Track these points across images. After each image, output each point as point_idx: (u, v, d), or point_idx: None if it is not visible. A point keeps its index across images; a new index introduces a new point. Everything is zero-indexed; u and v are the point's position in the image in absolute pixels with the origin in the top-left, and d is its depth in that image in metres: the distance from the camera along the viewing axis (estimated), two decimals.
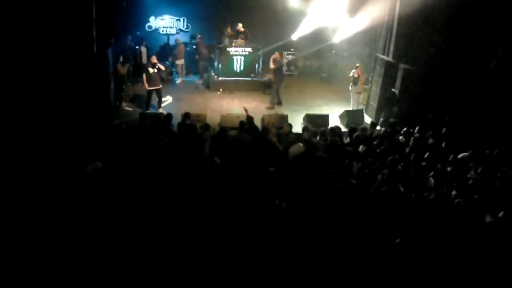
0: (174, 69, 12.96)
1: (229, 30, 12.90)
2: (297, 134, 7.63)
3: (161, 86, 10.39)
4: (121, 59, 10.69)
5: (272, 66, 11.15)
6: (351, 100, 10.91)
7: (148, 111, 10.01)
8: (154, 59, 10.18)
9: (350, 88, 10.88)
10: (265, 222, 4.68)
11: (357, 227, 4.69)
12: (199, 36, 12.94)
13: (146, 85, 10.10)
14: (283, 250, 4.37)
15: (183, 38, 13.27)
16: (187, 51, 13.32)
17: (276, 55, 11.26)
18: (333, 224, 4.74)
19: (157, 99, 10.34)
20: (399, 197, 5.19)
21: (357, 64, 10.89)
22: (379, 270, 4.14)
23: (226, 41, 12.82)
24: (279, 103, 11.24)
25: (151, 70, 10.03)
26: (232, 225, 4.64)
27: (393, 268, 4.16)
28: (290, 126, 7.84)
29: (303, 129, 7.75)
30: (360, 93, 10.76)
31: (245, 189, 5.21)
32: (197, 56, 13.11)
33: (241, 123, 7.39)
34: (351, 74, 10.76)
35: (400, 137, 7.37)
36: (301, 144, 6.74)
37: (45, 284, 3.98)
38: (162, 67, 10.49)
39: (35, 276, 3.98)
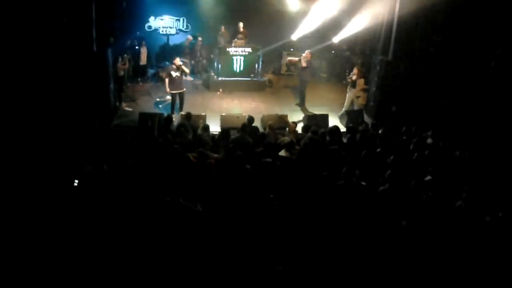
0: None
1: (223, 29, 12.91)
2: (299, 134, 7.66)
3: (184, 89, 10.17)
4: (121, 59, 10.67)
5: (303, 64, 10.99)
6: (345, 102, 10.79)
7: (151, 112, 9.81)
8: (178, 61, 9.94)
9: (348, 90, 10.73)
10: (261, 221, 4.69)
11: (355, 225, 4.70)
12: (200, 37, 12.94)
13: (168, 88, 9.90)
14: (277, 248, 4.38)
15: (182, 38, 13.26)
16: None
17: (307, 54, 11.05)
18: (329, 224, 4.75)
19: (179, 102, 10.12)
20: (401, 197, 5.20)
21: (356, 67, 10.79)
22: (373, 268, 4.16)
23: (222, 41, 12.82)
24: (303, 103, 11.19)
25: (174, 73, 9.80)
26: (230, 225, 4.65)
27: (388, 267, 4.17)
28: (296, 124, 7.86)
29: (304, 129, 7.76)
30: (359, 96, 10.69)
31: (244, 188, 5.23)
32: (199, 58, 13.09)
33: (244, 125, 7.37)
34: (349, 76, 10.74)
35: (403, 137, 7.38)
36: (296, 148, 6.66)
37: (45, 284, 3.99)
38: (187, 70, 10.29)
39: (33, 277, 3.98)
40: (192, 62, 12.92)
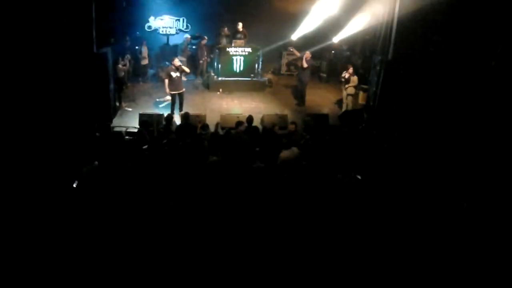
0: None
1: (225, 30, 12.94)
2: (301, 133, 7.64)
3: (184, 89, 10.15)
4: (121, 59, 10.67)
5: (305, 65, 10.97)
6: (343, 101, 10.88)
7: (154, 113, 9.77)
8: (177, 62, 9.94)
9: (343, 89, 10.83)
10: (263, 221, 4.70)
11: (355, 224, 4.71)
12: (205, 36, 12.94)
13: (168, 89, 9.88)
14: (280, 248, 4.38)
15: (182, 38, 13.26)
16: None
17: (307, 54, 11.02)
18: (330, 222, 4.76)
19: (179, 103, 10.10)
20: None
21: (349, 65, 10.86)
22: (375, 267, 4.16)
23: (224, 41, 12.84)
24: (303, 103, 11.23)
25: (174, 74, 9.79)
26: (231, 224, 4.65)
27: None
28: (295, 124, 7.84)
29: (306, 125, 7.75)
30: (351, 94, 10.70)
31: (244, 188, 5.23)
32: (206, 58, 13.08)
33: (238, 123, 7.35)
34: (343, 75, 10.77)
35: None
36: (294, 149, 6.57)
37: (45, 284, 3.99)
38: (187, 70, 10.29)
39: (34, 276, 3.98)
40: (201, 61, 12.93)
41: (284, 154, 6.49)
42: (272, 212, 4.85)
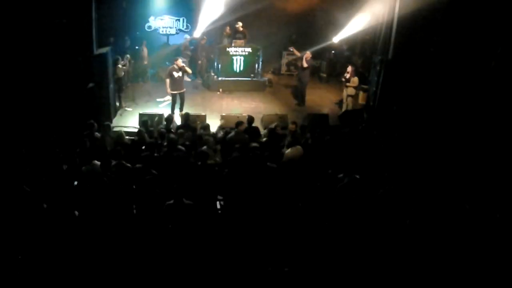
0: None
1: (228, 29, 12.95)
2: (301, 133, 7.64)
3: (184, 89, 10.11)
4: (121, 59, 10.66)
5: (305, 65, 10.96)
6: (343, 102, 10.88)
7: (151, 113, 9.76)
8: (180, 62, 9.90)
9: (344, 90, 10.82)
10: (263, 221, 4.70)
11: (356, 225, 4.70)
12: (204, 37, 12.93)
13: (169, 89, 9.84)
14: (280, 248, 4.38)
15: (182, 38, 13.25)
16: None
17: (307, 54, 11.01)
18: (331, 223, 4.75)
19: (180, 103, 10.07)
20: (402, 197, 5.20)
21: (349, 66, 10.85)
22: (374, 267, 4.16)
23: (225, 41, 12.84)
24: (303, 103, 11.24)
25: (176, 74, 9.75)
26: (231, 224, 4.65)
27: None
28: (296, 124, 7.85)
29: (304, 129, 7.75)
30: (351, 95, 10.69)
31: (245, 188, 5.23)
32: (204, 58, 13.07)
33: (238, 123, 7.36)
34: (344, 75, 10.76)
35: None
36: (299, 147, 6.60)
37: (44, 284, 3.99)
38: (189, 70, 10.24)
39: (33, 276, 3.98)
40: (199, 62, 12.93)
41: (290, 152, 6.50)
42: (275, 211, 4.86)
